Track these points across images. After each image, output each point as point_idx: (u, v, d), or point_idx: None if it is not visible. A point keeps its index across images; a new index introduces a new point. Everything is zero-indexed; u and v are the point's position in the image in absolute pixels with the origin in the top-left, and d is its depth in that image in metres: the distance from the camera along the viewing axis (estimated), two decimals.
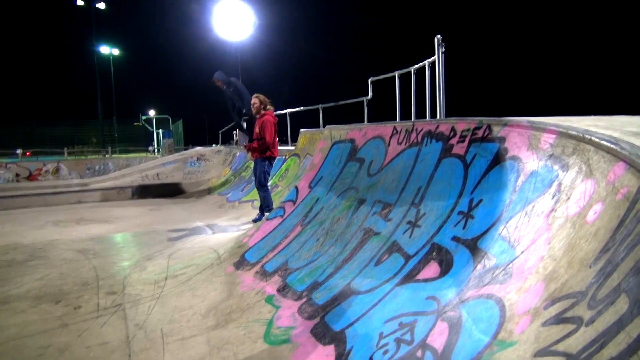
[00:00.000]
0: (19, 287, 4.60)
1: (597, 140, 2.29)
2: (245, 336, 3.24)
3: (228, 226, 7.56)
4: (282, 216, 5.44)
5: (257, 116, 7.16)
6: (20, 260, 5.71)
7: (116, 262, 5.50)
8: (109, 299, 4.19)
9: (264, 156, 7.05)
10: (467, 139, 3.38)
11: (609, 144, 2.19)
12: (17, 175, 17.18)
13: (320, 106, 10.28)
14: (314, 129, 8.82)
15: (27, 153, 24.22)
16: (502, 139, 3.04)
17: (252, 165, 8.32)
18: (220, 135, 19.05)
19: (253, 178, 7.79)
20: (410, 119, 6.32)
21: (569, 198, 2.27)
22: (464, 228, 2.89)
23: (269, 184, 7.53)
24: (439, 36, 5.66)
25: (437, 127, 3.83)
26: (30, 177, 17.46)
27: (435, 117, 5.85)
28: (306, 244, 4.47)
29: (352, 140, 5.31)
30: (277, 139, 7.27)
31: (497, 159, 2.98)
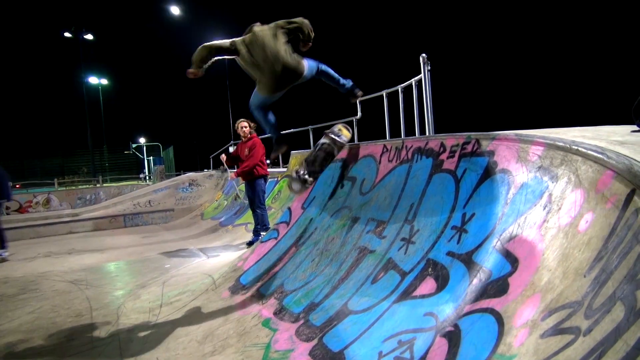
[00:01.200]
0: (10, 321, 4.52)
1: (584, 150, 2.33)
2: None
3: (222, 250, 7.51)
4: (276, 238, 5.41)
5: (244, 139, 7.37)
6: (11, 293, 5.62)
7: (110, 292, 5.43)
8: (103, 330, 4.12)
9: (259, 175, 7.18)
10: (456, 154, 3.41)
11: (596, 154, 2.22)
12: (7, 208, 16.98)
13: (310, 127, 10.33)
14: (305, 150, 8.85)
15: (17, 185, 23.96)
16: (491, 153, 3.07)
17: (243, 188, 8.38)
18: (211, 160, 18.99)
19: (246, 201, 7.88)
20: (400, 136, 6.37)
21: (560, 208, 2.29)
22: (458, 243, 2.90)
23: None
24: (424, 55, 5.75)
25: (427, 144, 3.86)
26: (21, 210, 17.26)
27: (424, 133, 5.90)
28: (301, 265, 4.44)
29: (343, 160, 5.33)
30: (268, 161, 7.44)
31: (488, 173, 3.01)
